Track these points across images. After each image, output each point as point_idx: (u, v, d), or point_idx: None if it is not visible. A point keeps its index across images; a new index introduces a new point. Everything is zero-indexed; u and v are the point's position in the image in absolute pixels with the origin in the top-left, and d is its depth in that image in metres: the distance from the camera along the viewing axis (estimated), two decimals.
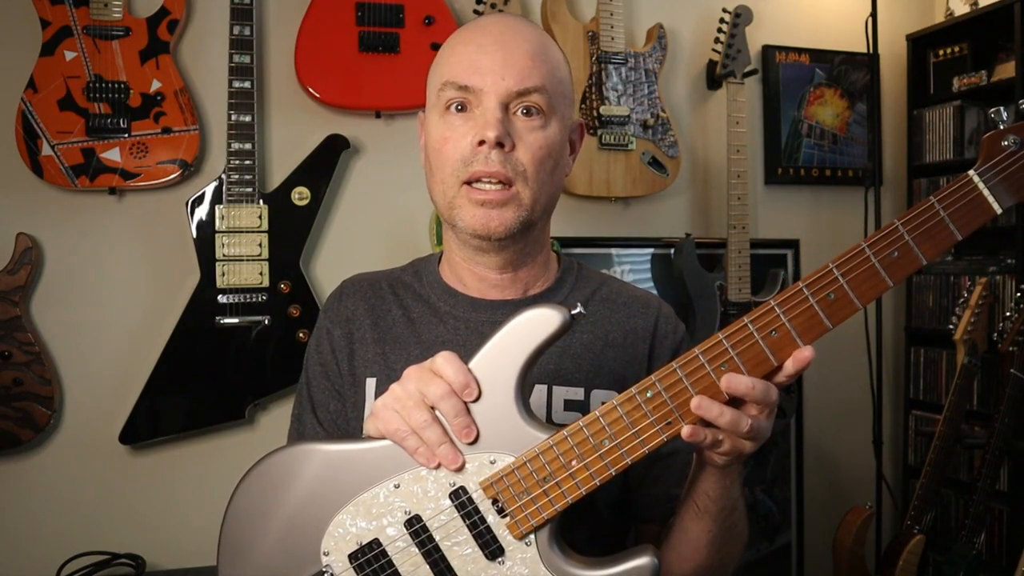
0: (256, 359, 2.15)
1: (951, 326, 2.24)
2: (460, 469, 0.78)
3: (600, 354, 1.00)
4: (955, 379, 2.21)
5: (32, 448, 2.10)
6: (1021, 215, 2.42)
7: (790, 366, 0.74)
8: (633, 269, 2.56)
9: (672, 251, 2.52)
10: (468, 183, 0.92)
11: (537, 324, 0.77)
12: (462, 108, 0.93)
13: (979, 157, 0.72)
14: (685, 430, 0.74)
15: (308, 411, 1.03)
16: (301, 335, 2.16)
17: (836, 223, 2.84)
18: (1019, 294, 2.16)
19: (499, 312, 1.00)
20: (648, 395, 0.75)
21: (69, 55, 2.04)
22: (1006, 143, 0.71)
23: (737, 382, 0.74)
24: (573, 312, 0.77)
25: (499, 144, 0.90)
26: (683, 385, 0.75)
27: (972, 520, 2.21)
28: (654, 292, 2.52)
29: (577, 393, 0.98)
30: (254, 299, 2.15)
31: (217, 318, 2.12)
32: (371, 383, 0.99)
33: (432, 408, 0.78)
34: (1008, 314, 2.15)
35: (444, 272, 1.06)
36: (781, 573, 2.73)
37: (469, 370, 0.77)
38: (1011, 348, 2.13)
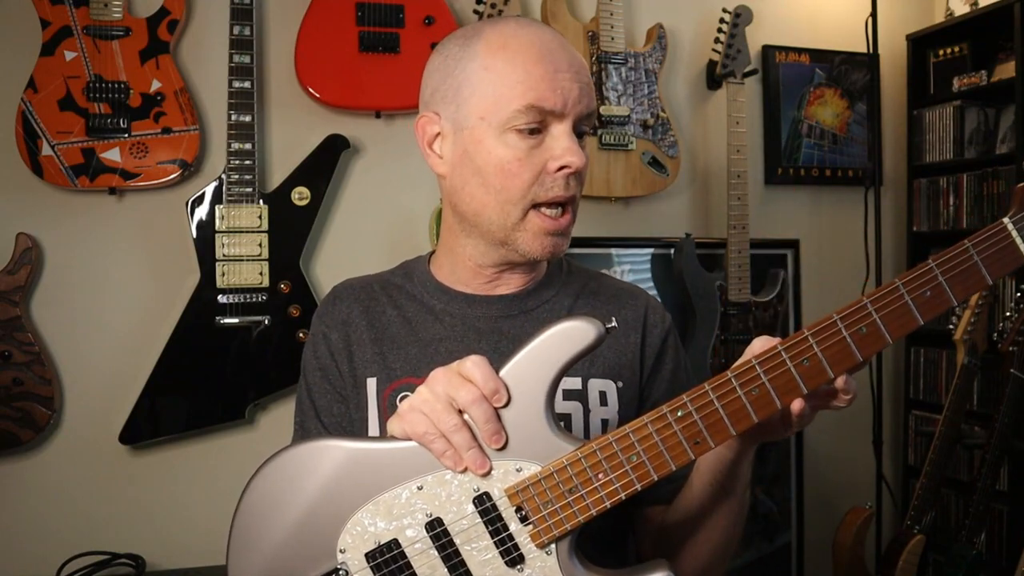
0: (256, 359, 2.15)
1: (951, 326, 2.23)
2: (487, 474, 0.78)
3: None
4: (955, 379, 2.21)
5: (32, 448, 2.10)
6: None
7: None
8: (633, 269, 2.56)
9: (672, 251, 2.52)
10: (535, 206, 0.93)
11: (572, 336, 0.77)
12: (535, 131, 0.92)
13: (1012, 205, 0.75)
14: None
15: (311, 417, 1.03)
16: (301, 335, 2.16)
17: (836, 223, 2.84)
18: (1019, 294, 2.16)
19: (494, 307, 1.01)
20: (679, 414, 0.76)
21: (69, 55, 2.04)
22: None
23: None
24: (607, 326, 0.77)
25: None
26: (714, 407, 0.76)
27: (972, 520, 2.21)
28: (654, 292, 2.54)
29: (575, 383, 0.99)
30: (254, 299, 2.15)
31: (217, 318, 2.12)
32: (371, 383, 0.99)
33: (460, 412, 0.78)
34: (1008, 314, 2.15)
35: (436, 270, 1.06)
36: (781, 573, 2.73)
37: (498, 376, 0.78)
38: (1011, 348, 2.13)
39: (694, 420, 0.76)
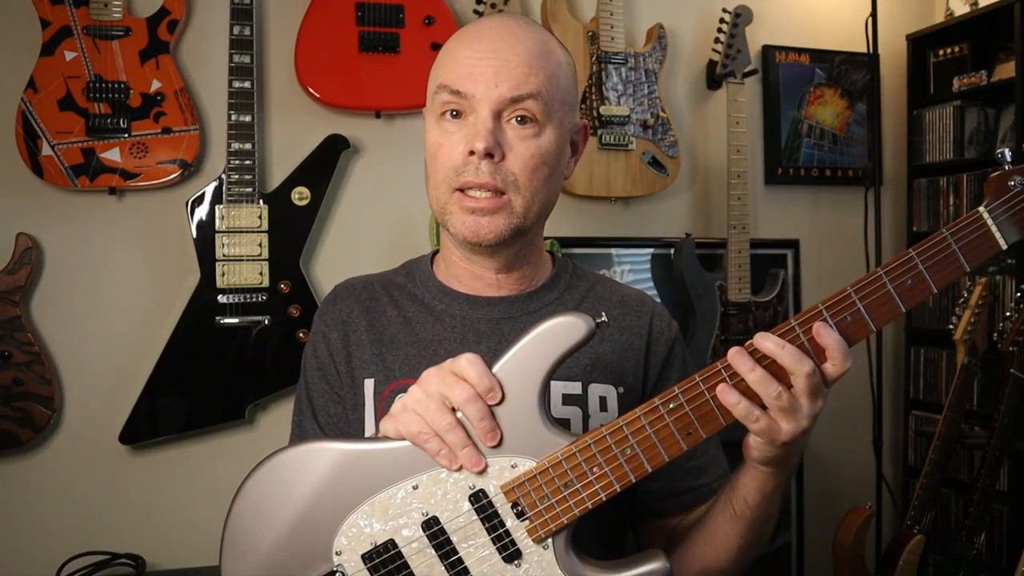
0: (256, 359, 2.15)
1: (951, 326, 2.23)
2: (483, 472, 0.78)
3: (597, 349, 1.01)
4: (955, 379, 2.20)
5: (32, 448, 2.10)
6: None
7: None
8: (633, 269, 2.56)
9: (672, 251, 2.52)
10: (460, 190, 0.93)
11: (563, 331, 0.78)
12: (457, 114, 0.93)
13: (986, 194, 0.77)
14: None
15: (308, 416, 1.03)
16: (301, 335, 2.16)
17: (836, 223, 2.84)
18: (1019, 294, 2.16)
19: (495, 309, 1.01)
20: (671, 406, 0.77)
21: (69, 55, 2.04)
22: (1012, 183, 0.76)
23: (765, 339, 0.75)
24: (598, 321, 0.78)
25: (488, 155, 0.90)
26: (705, 397, 0.77)
27: (972, 520, 2.21)
28: (654, 292, 2.54)
29: (575, 387, 0.98)
30: (254, 299, 2.15)
31: (217, 318, 2.12)
32: (369, 384, 0.99)
33: (453, 410, 0.78)
34: (1008, 314, 2.15)
35: (439, 271, 1.06)
36: (781, 573, 2.73)
37: (493, 374, 0.77)
38: (1011, 348, 2.13)
39: (686, 411, 0.77)
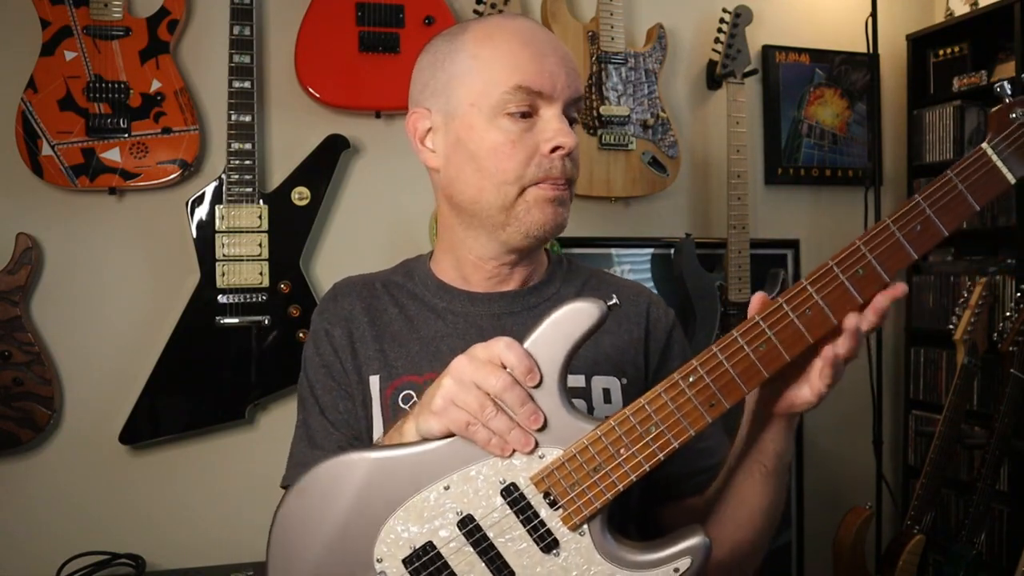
0: (256, 359, 2.15)
1: (951, 326, 2.24)
2: (533, 451, 0.78)
3: (597, 341, 1.00)
4: (955, 379, 2.21)
5: (32, 448, 2.10)
6: (1021, 215, 2.42)
7: (882, 300, 0.77)
8: (633, 269, 2.56)
9: (672, 251, 2.52)
10: (538, 183, 0.93)
11: (578, 317, 0.78)
12: (526, 114, 0.93)
13: (989, 130, 0.76)
14: (850, 315, 0.76)
15: (316, 414, 1.02)
16: (301, 335, 2.16)
17: (836, 223, 2.84)
18: (1019, 294, 2.17)
19: (496, 305, 1.01)
20: (691, 380, 0.77)
21: (69, 55, 2.04)
22: (1014, 115, 0.75)
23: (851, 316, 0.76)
24: (609, 304, 0.78)
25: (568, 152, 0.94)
26: (724, 367, 0.77)
27: (972, 520, 2.21)
28: (654, 292, 2.53)
29: (578, 381, 0.99)
30: (254, 299, 2.15)
31: (217, 318, 2.12)
32: (375, 380, 0.99)
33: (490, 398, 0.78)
34: (1008, 314, 2.15)
35: (437, 269, 1.06)
36: (781, 573, 2.73)
37: (530, 354, 0.77)
38: (1011, 348, 2.13)
39: (706, 383, 0.77)
